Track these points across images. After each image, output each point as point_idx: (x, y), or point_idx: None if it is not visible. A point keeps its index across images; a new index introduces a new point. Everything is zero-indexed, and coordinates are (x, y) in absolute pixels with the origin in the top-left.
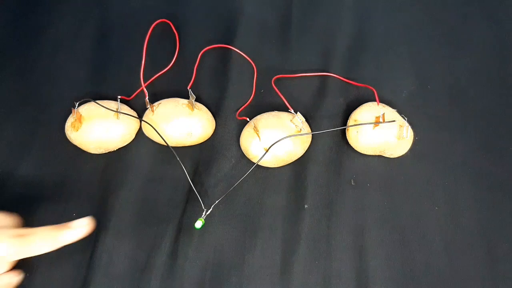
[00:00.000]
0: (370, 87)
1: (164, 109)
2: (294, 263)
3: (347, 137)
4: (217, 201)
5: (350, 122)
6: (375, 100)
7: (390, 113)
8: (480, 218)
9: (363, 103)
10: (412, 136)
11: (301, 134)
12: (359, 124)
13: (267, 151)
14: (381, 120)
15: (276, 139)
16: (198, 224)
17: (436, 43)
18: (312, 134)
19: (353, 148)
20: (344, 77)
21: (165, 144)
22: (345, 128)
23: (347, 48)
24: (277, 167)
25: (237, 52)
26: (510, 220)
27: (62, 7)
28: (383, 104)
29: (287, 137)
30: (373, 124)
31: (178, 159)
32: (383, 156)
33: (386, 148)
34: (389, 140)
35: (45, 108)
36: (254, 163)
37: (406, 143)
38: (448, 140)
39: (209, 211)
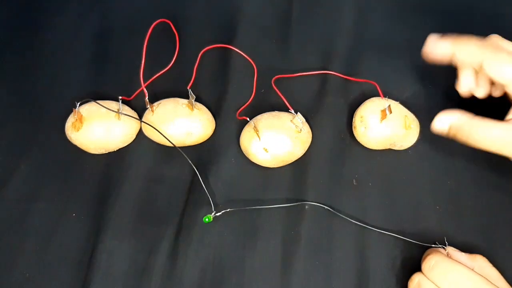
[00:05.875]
0: (372, 81)
1: (164, 109)
2: (294, 263)
3: (355, 135)
4: (229, 209)
5: (356, 119)
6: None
7: (394, 105)
8: (482, 218)
9: (365, 100)
10: (418, 125)
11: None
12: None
13: (266, 151)
14: (387, 112)
15: (276, 139)
16: (207, 219)
17: None
18: (313, 134)
19: (353, 148)
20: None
21: (166, 145)
22: (351, 126)
23: (347, 48)
24: (277, 167)
25: (237, 52)
26: (511, 219)
27: (62, 7)
28: (386, 98)
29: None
30: (380, 118)
31: (187, 158)
32: (385, 156)
33: (395, 140)
34: (397, 132)
35: (45, 108)
36: (254, 163)
37: (413, 133)
38: (450, 139)
39: (218, 214)
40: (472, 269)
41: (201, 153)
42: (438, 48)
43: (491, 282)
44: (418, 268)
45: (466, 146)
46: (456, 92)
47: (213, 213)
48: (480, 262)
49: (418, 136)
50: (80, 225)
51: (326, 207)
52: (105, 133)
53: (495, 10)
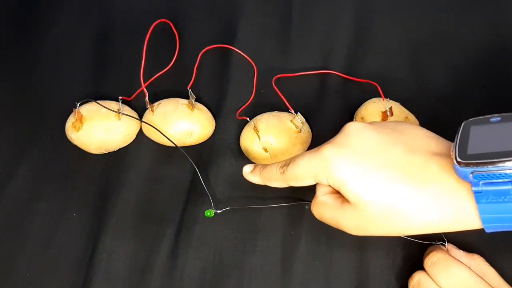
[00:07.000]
0: (373, 82)
1: (164, 109)
2: (294, 263)
3: None
4: (229, 208)
5: (357, 120)
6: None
7: (395, 106)
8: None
9: (366, 101)
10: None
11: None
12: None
13: (266, 151)
14: (388, 114)
15: (276, 139)
16: (209, 213)
17: (437, 42)
18: (313, 134)
19: None
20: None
21: (166, 144)
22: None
23: (347, 48)
24: None
25: (237, 52)
26: None
27: (62, 7)
28: (387, 99)
29: None
30: (380, 120)
31: (188, 157)
32: None
33: None
34: None
35: (46, 108)
36: (254, 163)
37: None
38: (449, 140)
39: (219, 211)
40: (470, 267)
41: (201, 153)
42: (254, 180)
43: (488, 284)
44: (418, 267)
45: None
46: (456, 93)
47: (214, 210)
48: (477, 260)
49: None
50: (80, 225)
51: None
52: (105, 133)
53: (495, 8)
